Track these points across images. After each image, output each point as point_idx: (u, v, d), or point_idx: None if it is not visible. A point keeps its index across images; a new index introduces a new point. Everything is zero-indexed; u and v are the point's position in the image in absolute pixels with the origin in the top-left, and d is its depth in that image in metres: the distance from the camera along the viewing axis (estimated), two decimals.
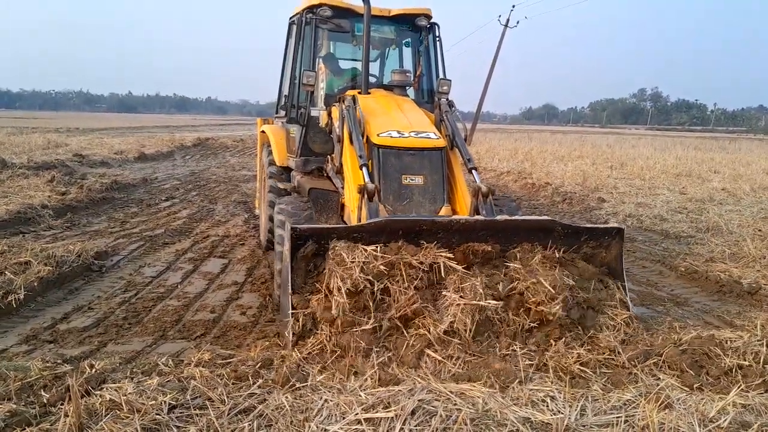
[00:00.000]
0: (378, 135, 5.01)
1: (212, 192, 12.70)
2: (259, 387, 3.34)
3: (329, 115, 5.77)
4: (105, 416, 2.93)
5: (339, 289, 3.82)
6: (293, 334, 3.87)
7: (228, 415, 3.03)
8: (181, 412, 3.04)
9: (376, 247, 4.01)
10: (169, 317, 4.92)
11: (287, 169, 6.90)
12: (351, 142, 5.02)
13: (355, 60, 6.91)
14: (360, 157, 4.75)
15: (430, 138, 5.11)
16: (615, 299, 4.43)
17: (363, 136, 5.04)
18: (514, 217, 4.47)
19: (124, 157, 18.61)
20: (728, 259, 7.14)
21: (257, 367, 3.62)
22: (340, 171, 5.36)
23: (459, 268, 4.06)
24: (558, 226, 4.36)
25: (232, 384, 3.37)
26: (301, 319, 3.92)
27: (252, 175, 15.60)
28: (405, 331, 3.87)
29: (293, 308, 3.92)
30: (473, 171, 5.08)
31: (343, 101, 5.32)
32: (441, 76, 6.57)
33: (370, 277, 3.88)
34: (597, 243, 4.52)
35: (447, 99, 5.72)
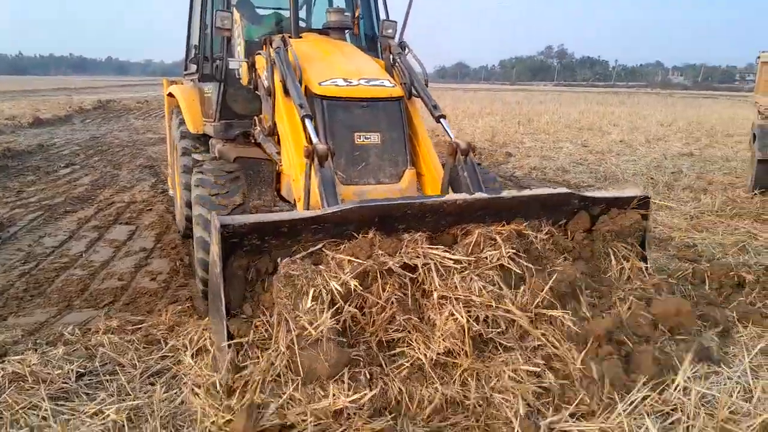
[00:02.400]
0: (320, 84, 4.07)
1: (116, 157, 12.14)
2: (170, 349, 3.35)
3: (252, 66, 4.76)
4: (8, 388, 2.86)
5: (291, 342, 2.75)
6: (230, 368, 2.79)
7: (140, 378, 3.04)
8: (90, 379, 3.02)
9: (348, 269, 2.97)
10: (74, 287, 4.75)
11: (205, 138, 5.76)
12: (285, 92, 4.09)
13: (279, 9, 5.97)
14: (301, 106, 3.81)
15: (384, 86, 4.23)
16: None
17: (301, 86, 4.11)
18: (524, 193, 3.52)
19: (17, 122, 17.34)
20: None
21: (168, 330, 3.61)
22: (273, 132, 4.44)
23: (457, 265, 3.11)
24: (575, 198, 3.67)
25: (143, 348, 3.37)
26: (241, 350, 2.88)
27: (158, 138, 15.01)
28: (383, 365, 2.86)
29: (231, 337, 2.87)
30: (441, 120, 4.34)
31: (270, 44, 4.35)
32: (383, 17, 5.58)
33: (337, 311, 2.89)
34: (615, 213, 3.80)
35: (395, 42, 4.88)
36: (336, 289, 2.86)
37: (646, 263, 3.81)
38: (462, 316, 2.90)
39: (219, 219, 2.85)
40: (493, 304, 2.99)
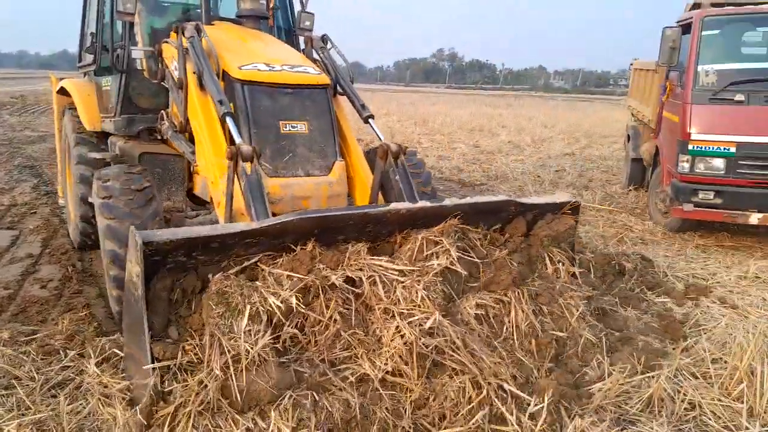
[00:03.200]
0: (240, 68, 3.80)
1: None
2: (71, 360, 3.19)
3: (159, 55, 4.34)
4: None
5: (226, 364, 2.52)
6: (153, 395, 2.46)
7: (40, 391, 2.89)
8: None
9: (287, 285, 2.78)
10: None
11: (103, 135, 5.22)
12: (201, 86, 3.76)
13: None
14: (220, 103, 3.53)
15: (309, 73, 4.00)
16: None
17: (219, 76, 3.81)
18: (466, 201, 3.44)
19: None
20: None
21: (67, 339, 3.43)
22: (185, 129, 4.07)
23: (402, 277, 2.99)
24: (512, 205, 3.66)
25: (41, 359, 3.19)
26: (166, 374, 2.56)
27: (38, 136, 13.99)
28: (327, 386, 2.62)
29: (156, 359, 2.55)
30: (370, 120, 4.24)
31: (182, 32, 3.95)
32: (299, 8, 5.27)
33: (275, 329, 2.72)
34: (550, 219, 3.87)
35: (317, 35, 4.67)
36: (275, 306, 2.65)
37: (575, 267, 3.91)
38: (408, 333, 2.73)
39: (140, 235, 2.50)
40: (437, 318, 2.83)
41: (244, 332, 2.55)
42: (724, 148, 5.99)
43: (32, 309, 4.20)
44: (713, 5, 6.93)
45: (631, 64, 11.17)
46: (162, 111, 4.52)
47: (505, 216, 3.70)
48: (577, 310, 3.46)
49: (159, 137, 4.67)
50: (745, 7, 6.76)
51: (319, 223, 2.90)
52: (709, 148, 6.05)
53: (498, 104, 36.05)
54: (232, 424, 2.40)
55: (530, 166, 11.65)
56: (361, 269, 2.94)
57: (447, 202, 3.36)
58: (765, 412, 2.97)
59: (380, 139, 4.06)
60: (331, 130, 3.97)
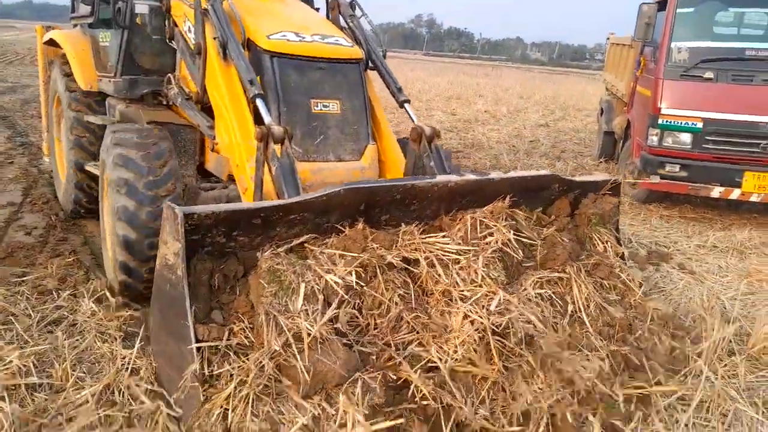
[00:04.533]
0: (269, 38, 3.42)
1: None
2: (65, 300, 3.32)
3: (168, 11, 3.95)
4: None
5: (286, 343, 2.27)
6: (198, 380, 2.20)
7: (37, 327, 3.01)
8: None
9: (346, 257, 2.60)
10: None
11: (100, 96, 4.75)
12: (225, 56, 3.36)
13: None
14: (251, 83, 3.18)
15: (341, 45, 3.63)
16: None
17: (243, 45, 3.42)
18: (511, 174, 3.23)
19: None
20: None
21: (59, 281, 3.55)
22: (201, 100, 3.62)
23: (460, 256, 2.80)
24: (556, 182, 3.48)
25: (36, 298, 3.30)
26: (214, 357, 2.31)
27: (8, 87, 13.69)
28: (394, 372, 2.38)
29: (199, 341, 2.28)
30: (406, 105, 3.93)
31: None
32: None
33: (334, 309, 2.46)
34: (593, 198, 3.69)
35: (345, 0, 4.21)
36: (333, 283, 2.45)
37: (622, 247, 3.78)
38: (477, 316, 2.53)
39: (180, 209, 2.29)
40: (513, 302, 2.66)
41: (301, 311, 2.34)
42: (692, 124, 6.26)
43: (19, 254, 4.28)
44: None
45: (608, 39, 11.37)
46: (168, 74, 4.07)
47: (548, 196, 3.52)
48: (640, 286, 3.36)
49: (164, 102, 4.30)
50: None
51: (367, 195, 2.71)
52: (678, 122, 6.31)
53: (476, 73, 36.09)
54: (297, 410, 2.16)
55: (506, 136, 11.86)
56: (416, 249, 2.76)
57: (493, 175, 3.14)
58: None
59: (413, 121, 3.75)
60: (364, 110, 3.67)
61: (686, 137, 6.31)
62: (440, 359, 2.42)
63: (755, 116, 6.13)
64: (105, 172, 3.51)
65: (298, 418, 2.12)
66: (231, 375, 2.23)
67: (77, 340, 2.92)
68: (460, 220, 2.98)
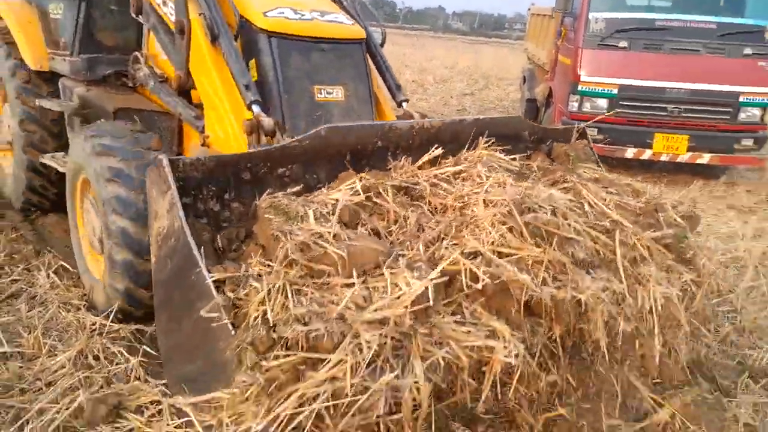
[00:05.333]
0: (264, 14, 3.04)
1: None
2: (19, 275, 3.33)
3: None
4: None
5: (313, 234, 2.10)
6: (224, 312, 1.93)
7: None
8: None
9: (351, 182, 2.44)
10: None
11: (51, 77, 4.16)
12: (214, 40, 2.98)
13: None
14: (246, 87, 2.84)
15: (343, 23, 3.31)
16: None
17: (234, 24, 3.09)
18: (481, 117, 3.12)
19: None
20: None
21: (8, 257, 3.54)
22: (184, 84, 3.18)
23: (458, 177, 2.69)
24: (526, 128, 3.38)
25: None
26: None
27: None
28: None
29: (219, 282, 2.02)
30: (403, 105, 3.57)
31: None
32: None
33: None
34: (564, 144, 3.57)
35: None
36: (344, 201, 2.31)
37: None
38: (504, 201, 2.37)
39: (164, 157, 2.19)
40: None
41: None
42: (608, 90, 6.75)
43: None
44: None
45: (529, 9, 11.82)
46: (135, 52, 3.69)
47: (524, 148, 3.35)
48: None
49: (130, 85, 3.86)
50: None
51: (348, 135, 2.60)
52: (596, 89, 6.78)
53: (400, 42, 36.26)
54: (341, 289, 1.97)
55: (434, 105, 12.17)
56: (414, 176, 2.66)
57: (467, 117, 3.07)
58: None
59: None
60: (369, 96, 3.36)
61: (603, 102, 6.80)
62: (480, 243, 2.22)
63: (664, 82, 6.69)
64: (91, 185, 3.02)
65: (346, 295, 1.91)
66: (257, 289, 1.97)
67: (40, 311, 2.96)
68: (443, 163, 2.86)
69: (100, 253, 3.06)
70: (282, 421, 1.65)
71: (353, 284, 1.97)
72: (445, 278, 2.03)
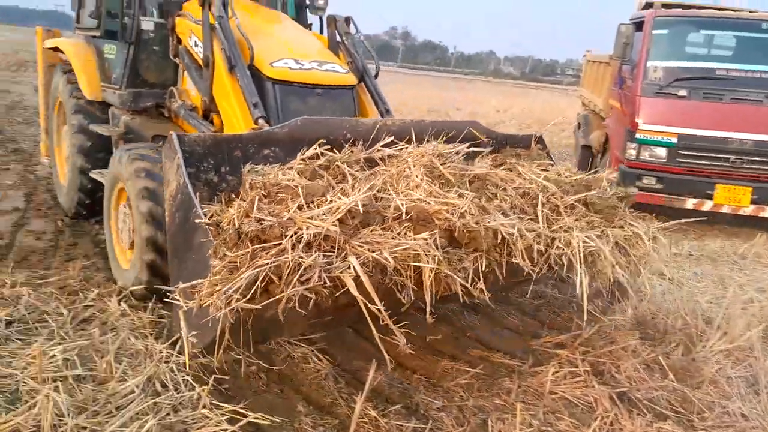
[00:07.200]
0: (272, 65, 3.76)
1: None
2: (92, 300, 3.49)
3: (172, 29, 4.29)
4: None
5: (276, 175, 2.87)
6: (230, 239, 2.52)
7: (71, 324, 3.17)
8: (20, 326, 3.09)
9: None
10: None
11: (103, 105, 4.91)
12: (230, 70, 3.67)
13: None
14: (255, 106, 3.53)
15: (337, 72, 3.99)
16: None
17: (249, 66, 3.74)
18: (439, 119, 3.84)
19: None
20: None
21: (83, 282, 3.72)
22: (208, 108, 3.94)
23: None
24: (479, 130, 3.86)
25: (66, 298, 3.46)
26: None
27: None
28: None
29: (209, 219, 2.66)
30: None
31: (209, 5, 3.78)
32: None
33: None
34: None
35: (341, 17, 4.50)
36: (304, 162, 3.00)
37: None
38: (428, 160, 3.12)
39: (174, 134, 2.86)
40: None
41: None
42: (667, 139, 6.66)
43: (33, 258, 4.41)
44: (664, 6, 7.58)
45: (584, 56, 11.83)
46: (171, 88, 4.43)
47: (481, 152, 3.79)
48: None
49: (166, 115, 4.56)
50: (691, 10, 7.45)
51: (320, 126, 3.26)
52: (654, 137, 6.71)
53: (451, 87, 36.71)
54: (293, 205, 2.65)
55: None
56: (368, 155, 3.26)
57: (427, 120, 3.73)
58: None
59: None
60: None
61: (662, 151, 6.71)
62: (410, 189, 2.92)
63: (725, 132, 6.57)
64: (126, 182, 3.67)
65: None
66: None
67: (112, 337, 3.09)
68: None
69: (128, 248, 3.75)
70: (240, 286, 2.21)
71: (303, 205, 2.63)
72: (371, 193, 2.75)
